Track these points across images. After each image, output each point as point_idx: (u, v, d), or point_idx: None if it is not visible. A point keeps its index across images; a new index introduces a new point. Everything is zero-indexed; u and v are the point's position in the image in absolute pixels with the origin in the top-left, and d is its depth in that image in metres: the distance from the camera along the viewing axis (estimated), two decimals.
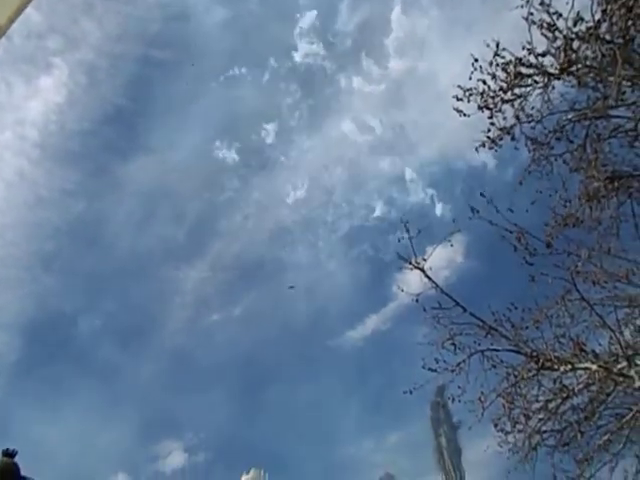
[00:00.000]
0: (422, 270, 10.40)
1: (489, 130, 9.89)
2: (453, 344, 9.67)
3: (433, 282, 10.17)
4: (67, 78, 51.73)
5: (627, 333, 10.01)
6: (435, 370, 9.59)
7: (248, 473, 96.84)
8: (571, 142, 9.90)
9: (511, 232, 10.66)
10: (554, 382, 9.79)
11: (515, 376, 9.70)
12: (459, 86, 10.33)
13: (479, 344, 9.75)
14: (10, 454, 5.90)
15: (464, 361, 9.61)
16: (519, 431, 10.28)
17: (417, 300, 10.57)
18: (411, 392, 9.81)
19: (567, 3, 8.20)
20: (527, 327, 10.32)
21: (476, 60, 9.96)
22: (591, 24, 8.14)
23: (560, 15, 8.36)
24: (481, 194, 11.30)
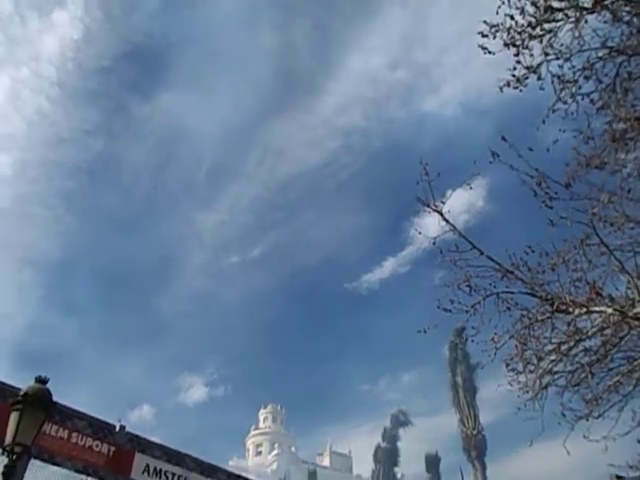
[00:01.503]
0: (440, 213, 10.36)
1: (514, 68, 9.54)
2: (469, 286, 9.76)
3: (451, 225, 10.15)
4: (83, 13, 50.62)
5: None
6: (450, 310, 9.74)
7: (266, 408, 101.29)
8: (600, 81, 9.52)
9: (532, 177, 10.49)
10: (568, 325, 9.90)
11: (529, 318, 9.81)
12: (485, 21, 9.90)
13: (495, 286, 9.83)
14: (42, 380, 6.26)
15: (479, 302, 9.73)
16: (530, 371, 10.51)
17: (434, 243, 10.60)
18: (425, 331, 10.01)
19: None
20: (544, 271, 10.32)
21: None
22: None
23: None
24: (502, 138, 11.07)
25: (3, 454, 5.66)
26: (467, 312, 9.69)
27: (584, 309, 9.20)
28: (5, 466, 5.52)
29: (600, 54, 9.42)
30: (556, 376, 10.58)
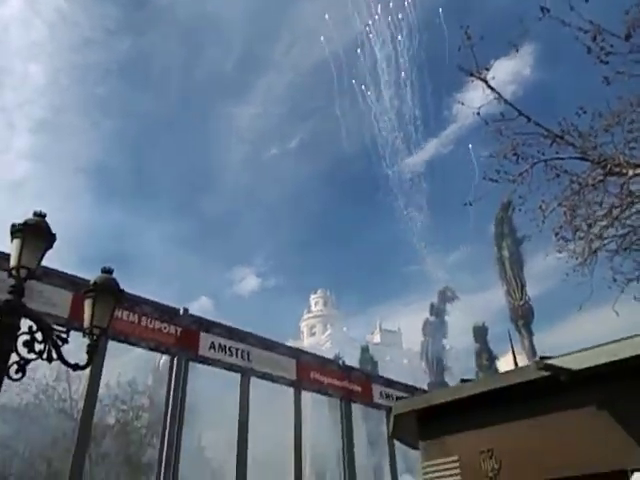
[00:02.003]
0: (484, 80, 9.81)
1: None
2: (515, 154, 9.43)
3: (496, 92, 9.65)
4: None
5: None
6: (496, 181, 9.54)
7: (316, 293, 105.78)
8: None
9: (586, 32, 9.61)
10: (621, 188, 9.56)
11: (579, 184, 9.52)
12: None
13: (543, 154, 9.47)
14: (108, 270, 6.72)
15: (526, 171, 9.45)
16: (580, 238, 10.38)
17: (478, 113, 10.16)
18: (471, 204, 9.95)
19: None
20: (596, 134, 9.81)
21: None
22: None
23: None
24: None
25: (85, 337, 6.27)
26: (514, 181, 9.47)
27: (638, 170, 8.81)
28: (88, 345, 6.15)
29: None
30: (606, 241, 10.44)
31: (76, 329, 6.42)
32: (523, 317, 43.00)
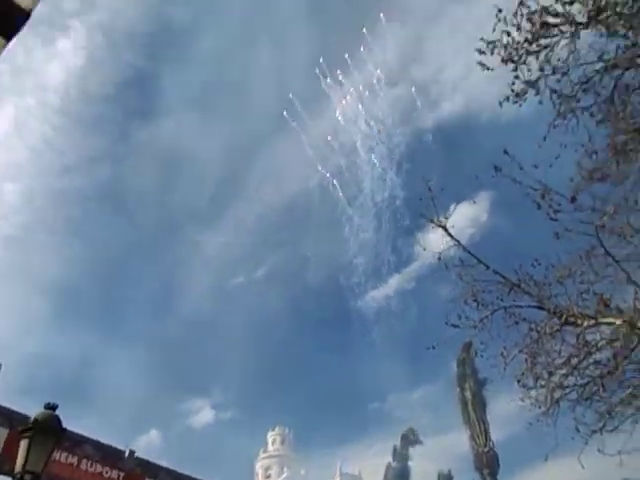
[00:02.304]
0: (444, 228, 10.41)
1: (513, 83, 9.64)
2: (475, 301, 9.75)
3: (455, 239, 10.20)
4: (85, 40, 51.71)
5: None
6: (457, 326, 9.72)
7: (274, 430, 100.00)
8: (598, 95, 9.60)
9: (535, 189, 10.55)
10: (577, 338, 9.83)
11: (538, 332, 9.77)
12: (482, 38, 10.04)
13: (502, 300, 9.81)
14: (52, 407, 6.26)
15: (487, 317, 9.71)
16: (541, 386, 10.41)
17: (439, 258, 10.63)
18: (434, 347, 9.98)
19: None
20: (551, 284, 10.31)
21: (500, 11, 9.65)
22: None
23: None
24: (504, 151, 11.15)
25: None
26: (475, 327, 9.67)
27: (592, 321, 9.17)
28: None
29: (597, 67, 9.53)
30: (567, 390, 10.47)
31: (5, 473, 5.82)
32: (488, 466, 41.19)
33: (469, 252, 10.05)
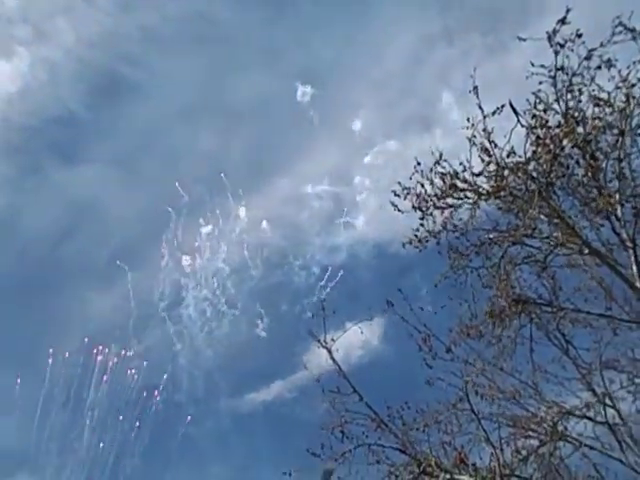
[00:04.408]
0: (328, 350, 10.46)
1: (417, 230, 10.37)
2: (342, 432, 9.59)
3: (337, 364, 10.22)
4: (27, 69, 50.17)
5: (507, 452, 10.32)
6: (319, 456, 9.42)
7: None
8: (488, 259, 10.54)
9: (419, 331, 11.03)
10: None
11: (396, 476, 9.67)
12: (399, 182, 10.88)
13: (367, 437, 9.73)
14: None
15: (350, 451, 9.52)
16: None
17: (318, 380, 10.60)
18: (290, 474, 9.52)
19: (505, 136, 9.00)
20: (418, 428, 10.44)
21: (418, 163, 10.59)
22: (522, 159, 8.94)
23: (496, 145, 9.13)
24: (399, 290, 11.74)
25: None
26: (336, 460, 9.41)
27: (449, 475, 9.26)
28: None
29: (491, 236, 10.55)
30: None
31: None
32: None
33: (347, 380, 10.10)
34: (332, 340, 10.92)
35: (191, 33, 53.68)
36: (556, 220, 9.52)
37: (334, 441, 9.65)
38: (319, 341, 10.52)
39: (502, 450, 10.00)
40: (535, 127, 8.65)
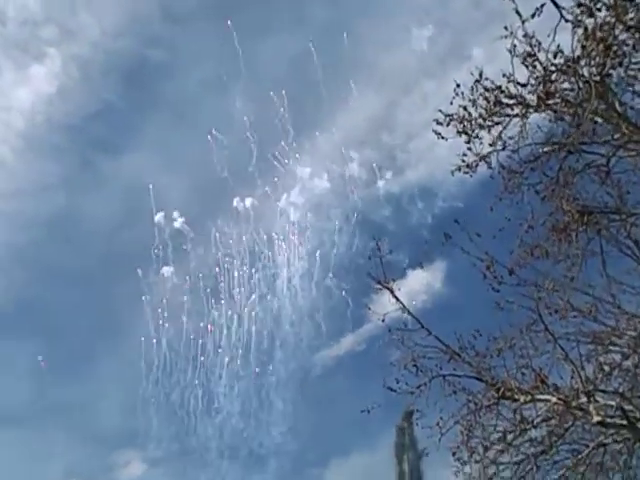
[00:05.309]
0: (390, 290, 10.34)
1: (465, 155, 9.94)
2: (415, 366, 9.55)
3: (400, 302, 10.11)
4: (60, 69, 51.43)
5: (589, 369, 10.00)
6: (395, 390, 9.45)
7: None
8: (545, 175, 10.00)
9: (482, 260, 10.70)
10: (514, 413, 9.70)
11: (475, 404, 9.59)
12: (440, 110, 10.40)
13: (441, 368, 9.65)
14: None
15: (425, 384, 9.50)
16: (476, 461, 10.14)
17: (383, 320, 10.50)
18: (368, 411, 9.64)
19: (548, 36, 8.32)
20: (491, 355, 10.26)
21: (458, 86, 10.05)
22: (570, 56, 8.27)
23: (540, 45, 8.47)
24: (455, 221, 11.38)
25: None
26: (412, 393, 9.41)
27: (529, 397, 9.07)
28: None
29: (545, 149, 9.96)
30: (501, 467, 10.23)
31: None
32: None
33: (412, 315, 9.98)
34: (392, 280, 10.78)
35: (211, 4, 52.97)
36: (616, 119, 8.85)
37: (408, 376, 9.62)
38: (380, 282, 10.40)
39: (583, 368, 9.69)
40: (581, 19, 7.92)
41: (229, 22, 49.63)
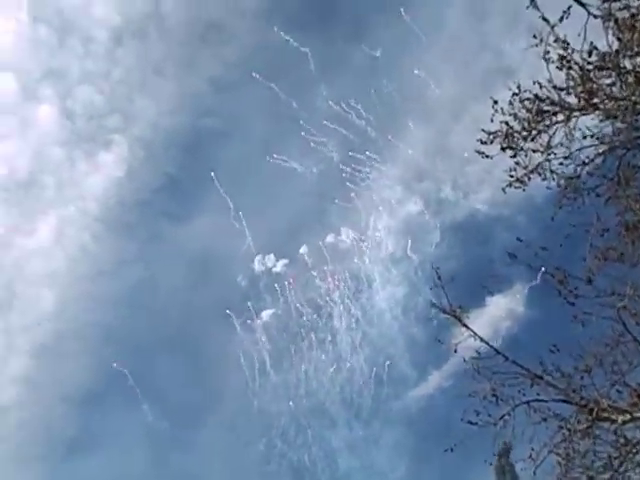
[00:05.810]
0: (457, 317, 9.95)
1: (514, 170, 9.63)
2: (495, 395, 8.99)
3: (469, 329, 9.68)
4: (126, 153, 55.84)
5: None
6: (475, 423, 8.89)
7: None
8: (604, 176, 9.48)
9: (552, 275, 10.15)
10: (615, 434, 8.87)
11: (568, 429, 8.84)
12: (482, 129, 10.21)
13: (524, 395, 9.03)
14: None
15: (509, 413, 8.89)
16: None
17: (455, 350, 10.08)
18: (452, 450, 9.09)
19: (579, 35, 8.09)
20: (581, 376, 9.53)
21: (496, 102, 9.88)
22: (607, 51, 7.97)
23: (570, 46, 8.24)
24: (518, 239, 10.93)
25: None
26: (495, 425, 8.82)
27: (628, 416, 8.30)
28: None
29: (599, 150, 9.48)
30: None
31: None
32: None
33: (485, 342, 9.51)
34: (459, 308, 10.40)
35: (253, 70, 55.90)
36: None
37: (489, 407, 9.08)
38: (444, 311, 10.06)
39: None
40: (611, 12, 7.65)
41: (273, 85, 52.29)
